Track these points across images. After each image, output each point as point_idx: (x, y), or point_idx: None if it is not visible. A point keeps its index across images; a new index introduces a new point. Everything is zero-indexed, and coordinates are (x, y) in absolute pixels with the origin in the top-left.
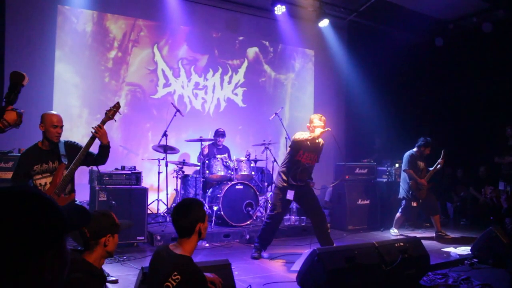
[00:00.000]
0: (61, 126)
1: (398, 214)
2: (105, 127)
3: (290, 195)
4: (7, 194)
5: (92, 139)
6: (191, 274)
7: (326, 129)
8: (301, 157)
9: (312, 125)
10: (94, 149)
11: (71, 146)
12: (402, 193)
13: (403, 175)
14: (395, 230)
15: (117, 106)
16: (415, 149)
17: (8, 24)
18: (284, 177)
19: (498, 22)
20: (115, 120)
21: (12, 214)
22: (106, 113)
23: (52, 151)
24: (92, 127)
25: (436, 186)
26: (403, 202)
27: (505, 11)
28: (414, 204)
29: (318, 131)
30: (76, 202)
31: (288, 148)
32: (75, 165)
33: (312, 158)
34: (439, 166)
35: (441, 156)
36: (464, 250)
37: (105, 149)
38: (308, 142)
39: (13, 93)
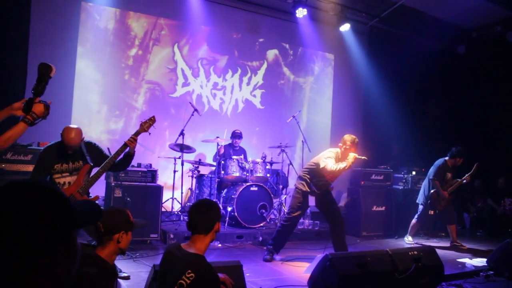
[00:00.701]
0: (75, 145)
1: (413, 221)
2: (120, 124)
3: (311, 203)
4: (20, 187)
5: (123, 148)
6: (205, 272)
7: (363, 158)
8: (327, 173)
9: (344, 147)
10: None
11: (92, 147)
12: (420, 199)
13: (426, 182)
14: (410, 238)
15: (152, 120)
16: (447, 158)
17: (33, 20)
18: (307, 183)
19: None
20: (149, 133)
21: (24, 208)
22: (141, 125)
23: (74, 151)
24: (129, 139)
25: (454, 196)
26: (420, 207)
27: None
28: (431, 212)
29: (351, 159)
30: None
31: (316, 162)
32: (102, 169)
33: (336, 176)
34: (465, 181)
35: (472, 169)
36: (480, 261)
37: (130, 157)
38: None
39: (40, 84)
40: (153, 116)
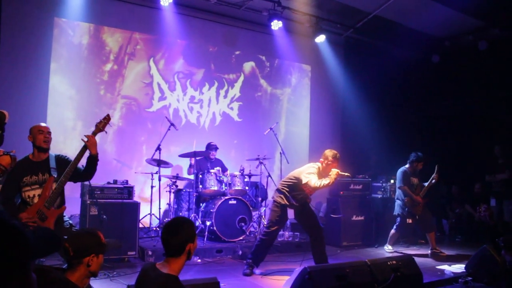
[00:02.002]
0: (48, 133)
1: (392, 231)
2: (96, 139)
3: (290, 215)
4: None
5: (83, 150)
6: None
7: (346, 174)
8: (306, 188)
9: (326, 162)
10: (82, 163)
11: (62, 160)
12: (397, 210)
13: (398, 191)
14: (389, 247)
15: (107, 118)
16: (407, 165)
17: (4, 35)
18: (285, 196)
19: (493, 41)
20: (106, 132)
21: None
22: (96, 125)
23: (42, 163)
24: (83, 137)
25: (431, 203)
26: (398, 219)
27: (500, 30)
28: (409, 221)
29: (334, 175)
30: (65, 218)
31: (297, 177)
32: (65, 178)
33: (316, 191)
34: (433, 181)
35: (435, 171)
36: (459, 268)
37: (93, 159)
38: None
39: None
40: (108, 115)
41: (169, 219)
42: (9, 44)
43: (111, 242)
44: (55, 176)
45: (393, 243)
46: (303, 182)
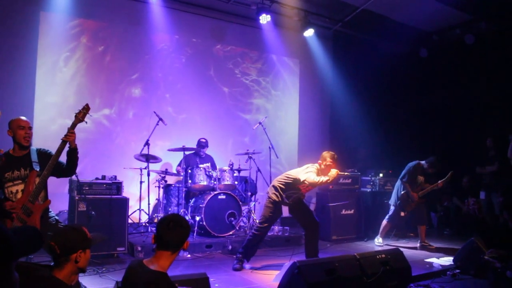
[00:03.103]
0: (29, 128)
1: (384, 222)
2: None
3: (285, 211)
4: None
5: (63, 144)
6: None
7: (345, 174)
8: (303, 187)
9: (324, 163)
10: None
11: (44, 154)
12: (392, 200)
13: (398, 183)
14: (380, 240)
15: (86, 108)
16: (423, 162)
17: None
18: (280, 193)
19: (480, 34)
20: (86, 122)
21: None
22: (76, 116)
23: (24, 158)
24: (66, 135)
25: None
26: (392, 208)
27: (486, 23)
28: (402, 214)
29: (333, 174)
30: (51, 213)
31: (294, 177)
32: (47, 171)
33: (311, 189)
34: (438, 186)
35: (446, 176)
36: (447, 260)
37: (73, 152)
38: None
39: None
40: (87, 104)
41: (163, 214)
42: None
43: (97, 236)
44: (38, 170)
45: (384, 235)
46: (302, 179)
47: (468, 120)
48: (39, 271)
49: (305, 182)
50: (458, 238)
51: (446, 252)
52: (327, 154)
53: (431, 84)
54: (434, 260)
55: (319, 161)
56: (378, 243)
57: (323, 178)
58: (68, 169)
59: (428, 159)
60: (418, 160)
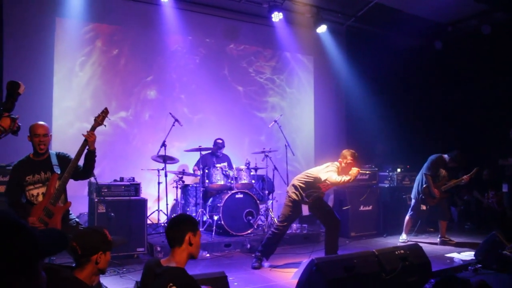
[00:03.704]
0: (45, 135)
1: (407, 217)
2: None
3: (305, 210)
4: None
5: (83, 145)
6: (186, 284)
7: (367, 172)
8: (323, 186)
9: (345, 161)
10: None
11: (63, 157)
12: (414, 193)
13: (420, 176)
14: (404, 236)
15: (105, 112)
16: (445, 156)
17: (6, 37)
18: (300, 192)
19: (497, 24)
20: (105, 125)
21: None
22: (95, 119)
23: (44, 161)
24: (87, 133)
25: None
26: (413, 202)
27: (504, 13)
28: (423, 207)
29: (355, 172)
30: (71, 215)
31: (315, 176)
32: (68, 174)
33: (331, 187)
34: (462, 181)
35: (471, 172)
36: (468, 255)
37: (91, 155)
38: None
39: (9, 101)
40: (106, 108)
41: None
42: (12, 46)
43: (117, 239)
44: (58, 173)
45: (408, 231)
46: (323, 178)
47: (487, 111)
48: (61, 271)
49: (327, 181)
50: (479, 232)
51: (467, 247)
52: (347, 153)
53: (448, 77)
54: (455, 255)
55: (340, 160)
56: (402, 239)
57: (345, 178)
58: (85, 172)
59: (451, 152)
60: (440, 153)
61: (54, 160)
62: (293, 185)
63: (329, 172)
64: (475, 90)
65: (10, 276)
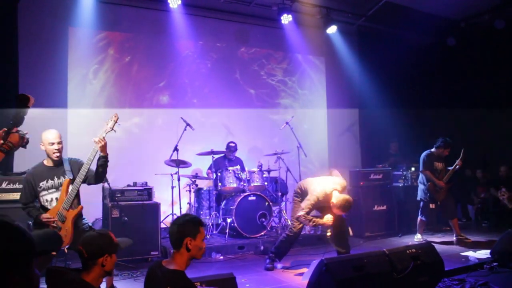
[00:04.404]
0: (59, 142)
1: (419, 218)
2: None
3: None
4: None
5: (94, 151)
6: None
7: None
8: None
9: (333, 205)
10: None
11: (75, 163)
12: (420, 194)
13: (421, 176)
14: (419, 236)
15: (115, 117)
16: (433, 149)
17: (21, 47)
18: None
19: (510, 18)
20: (115, 131)
21: None
22: (105, 125)
23: (57, 168)
24: (94, 139)
25: (456, 188)
26: (421, 204)
27: None
28: (432, 206)
29: (324, 222)
30: (84, 220)
31: (308, 186)
32: (80, 179)
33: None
34: (457, 166)
35: (460, 155)
36: (484, 253)
37: (103, 160)
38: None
39: (19, 115)
40: (116, 114)
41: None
42: (27, 55)
43: (123, 241)
44: (71, 178)
45: (422, 231)
46: (301, 205)
47: (503, 108)
48: (69, 274)
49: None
50: (497, 230)
51: (484, 245)
52: (340, 202)
53: (461, 74)
54: (470, 254)
55: (332, 200)
56: (417, 239)
57: (315, 220)
58: (97, 176)
59: (436, 143)
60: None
61: (67, 166)
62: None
63: (307, 201)
64: (490, 86)
65: (4, 274)
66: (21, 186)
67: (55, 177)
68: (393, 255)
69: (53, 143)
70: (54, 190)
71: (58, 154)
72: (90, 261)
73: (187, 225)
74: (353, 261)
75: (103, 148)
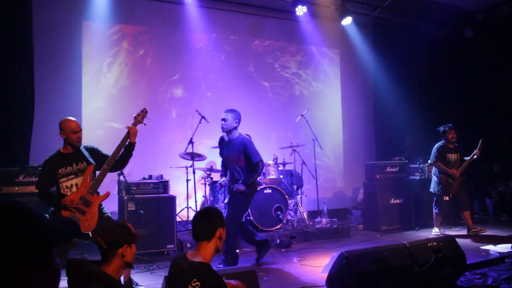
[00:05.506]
0: (80, 130)
1: (434, 211)
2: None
3: None
4: None
5: (125, 138)
6: (210, 280)
7: None
8: None
9: None
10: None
11: (91, 149)
12: (432, 186)
13: (434, 169)
14: (436, 230)
15: (144, 111)
16: (442, 141)
17: (36, 41)
18: None
19: None
20: (145, 124)
21: None
22: (135, 117)
23: (74, 154)
24: (128, 126)
25: (474, 182)
26: (434, 197)
27: None
28: (446, 198)
29: None
30: (104, 209)
31: None
32: (107, 165)
33: None
34: (475, 156)
35: (478, 146)
36: (505, 247)
37: (131, 147)
38: None
39: None
40: (144, 108)
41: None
42: (41, 49)
43: (141, 232)
44: (94, 164)
45: (439, 224)
46: None
47: None
48: (89, 266)
49: None
50: None
51: (503, 240)
52: None
53: (478, 66)
54: (490, 247)
55: None
56: (435, 232)
57: None
58: (121, 161)
59: (439, 133)
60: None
61: (86, 152)
62: None
63: None
64: (508, 78)
65: (25, 263)
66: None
67: (73, 164)
68: (414, 248)
69: (76, 131)
70: (73, 176)
71: (80, 140)
72: (110, 252)
73: (219, 215)
74: (373, 254)
75: (134, 135)
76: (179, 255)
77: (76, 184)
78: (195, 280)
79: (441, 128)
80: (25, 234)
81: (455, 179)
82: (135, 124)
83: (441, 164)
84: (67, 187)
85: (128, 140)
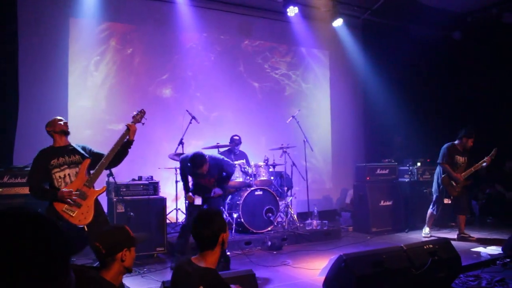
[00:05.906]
0: (66, 122)
1: (429, 211)
2: None
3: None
4: (16, 219)
5: (124, 135)
6: (216, 286)
7: None
8: None
9: None
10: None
11: (84, 147)
12: (434, 186)
13: (438, 168)
14: (427, 230)
15: (143, 112)
16: (456, 141)
17: (21, 37)
18: None
19: None
20: (143, 124)
21: (23, 242)
22: (133, 117)
23: (66, 147)
24: (128, 123)
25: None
26: (434, 196)
27: None
28: (447, 201)
29: None
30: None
31: None
32: (106, 160)
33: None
34: (484, 164)
35: (491, 153)
36: (495, 249)
37: (128, 145)
38: None
39: None
40: (142, 109)
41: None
42: (26, 47)
43: (140, 236)
44: (89, 158)
45: (431, 225)
46: None
47: (510, 102)
48: (89, 272)
49: None
50: (502, 227)
51: (489, 242)
52: None
53: (467, 68)
54: (481, 250)
55: None
56: (425, 233)
57: None
58: (118, 157)
59: (459, 134)
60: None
61: (79, 149)
62: None
63: None
64: (497, 81)
65: (43, 279)
66: (23, 180)
67: (65, 155)
68: (411, 251)
69: (61, 119)
70: (66, 166)
71: (68, 128)
72: (109, 257)
73: (220, 221)
74: (372, 257)
75: (134, 133)
76: (184, 260)
77: (69, 175)
78: (201, 286)
79: (464, 131)
80: (41, 246)
81: (458, 182)
82: (134, 123)
83: (448, 166)
84: (60, 177)
85: (127, 138)
